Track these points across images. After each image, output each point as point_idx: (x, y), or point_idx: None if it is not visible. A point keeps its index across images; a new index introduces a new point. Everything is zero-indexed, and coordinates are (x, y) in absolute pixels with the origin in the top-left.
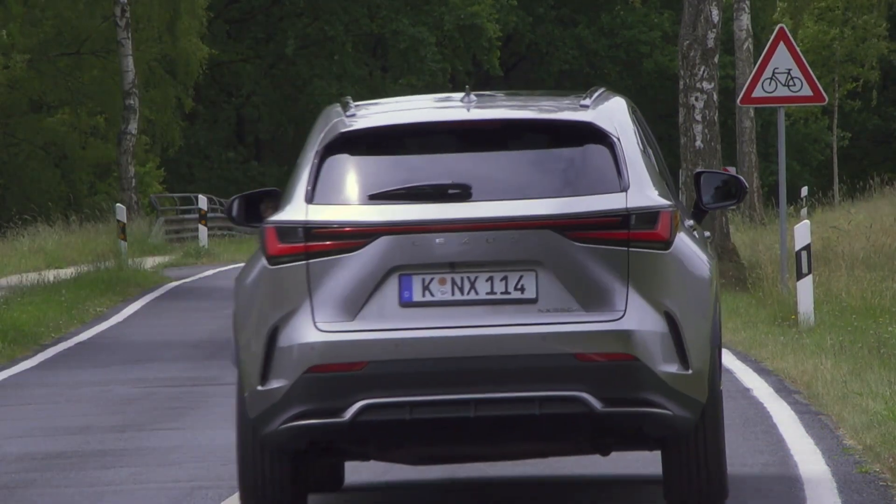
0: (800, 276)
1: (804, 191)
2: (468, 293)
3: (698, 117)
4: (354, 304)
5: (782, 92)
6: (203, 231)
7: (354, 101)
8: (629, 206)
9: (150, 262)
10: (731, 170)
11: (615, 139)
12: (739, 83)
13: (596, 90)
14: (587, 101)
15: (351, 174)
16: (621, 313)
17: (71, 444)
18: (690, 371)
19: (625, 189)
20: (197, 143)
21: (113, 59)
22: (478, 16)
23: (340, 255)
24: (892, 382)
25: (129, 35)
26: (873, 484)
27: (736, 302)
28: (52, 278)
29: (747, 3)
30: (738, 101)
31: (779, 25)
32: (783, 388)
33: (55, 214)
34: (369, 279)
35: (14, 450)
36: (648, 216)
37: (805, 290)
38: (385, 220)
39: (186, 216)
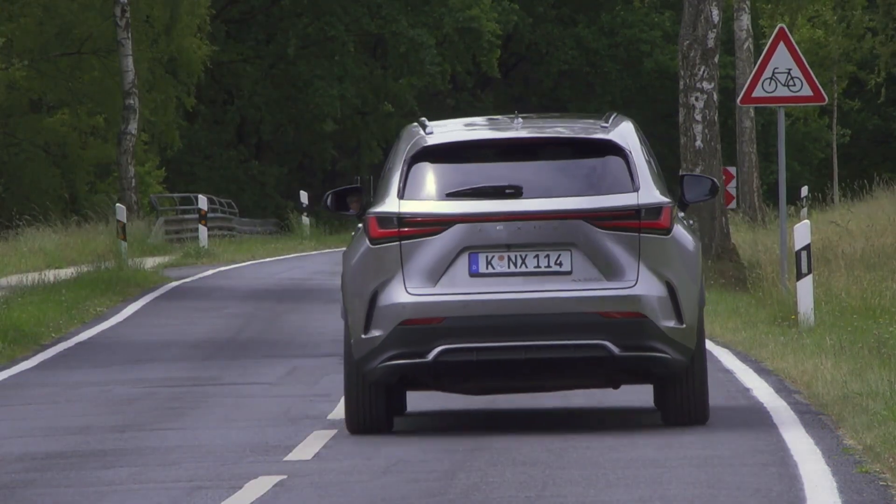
0: (800, 276)
1: (804, 191)
2: (520, 266)
3: (698, 117)
4: (435, 274)
5: (782, 92)
6: (203, 231)
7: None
8: (640, 202)
9: (150, 262)
10: (732, 170)
11: (628, 152)
12: (739, 83)
13: (610, 115)
14: (606, 124)
15: (431, 177)
16: (633, 282)
17: (71, 444)
18: (684, 325)
19: (636, 190)
20: (198, 143)
21: (113, 59)
22: (476, 19)
23: (424, 238)
24: (892, 382)
25: (129, 35)
26: (873, 484)
27: (736, 302)
28: (52, 278)
29: (747, 3)
30: (738, 101)
31: (779, 25)
32: (783, 388)
33: (55, 214)
34: (446, 256)
35: (14, 450)
36: (654, 210)
37: (805, 290)
38: (458, 213)
39: (186, 216)
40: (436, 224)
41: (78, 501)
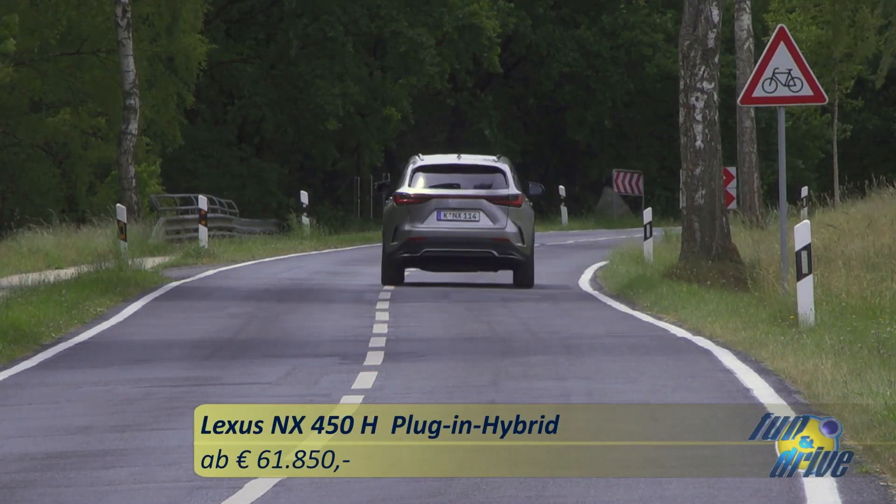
0: (800, 276)
1: (804, 191)
2: (459, 218)
3: (699, 117)
4: (422, 219)
5: (782, 92)
6: (203, 231)
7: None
8: (510, 193)
9: (150, 262)
10: (732, 170)
11: (506, 172)
12: (740, 83)
13: (500, 156)
14: (499, 159)
15: (422, 178)
16: (505, 226)
17: (71, 444)
18: (525, 245)
19: (508, 188)
20: (198, 142)
21: (113, 59)
22: (476, 15)
23: (419, 204)
24: (892, 382)
25: (130, 35)
26: (873, 484)
27: (736, 302)
28: (52, 278)
29: (748, 3)
30: (739, 100)
31: (779, 25)
32: (783, 388)
33: (55, 215)
34: (427, 212)
35: (14, 450)
36: (515, 196)
37: (805, 290)
38: (433, 194)
39: (186, 216)
40: (424, 199)
41: (78, 501)
